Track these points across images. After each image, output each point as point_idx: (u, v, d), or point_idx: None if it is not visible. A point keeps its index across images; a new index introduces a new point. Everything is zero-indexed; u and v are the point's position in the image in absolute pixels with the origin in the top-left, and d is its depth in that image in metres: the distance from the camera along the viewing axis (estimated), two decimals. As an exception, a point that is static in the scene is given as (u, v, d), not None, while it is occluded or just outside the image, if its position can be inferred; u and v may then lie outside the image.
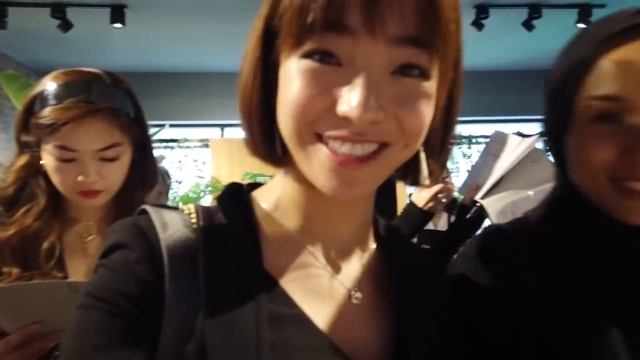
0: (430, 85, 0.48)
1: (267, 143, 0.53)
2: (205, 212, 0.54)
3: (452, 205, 2.73)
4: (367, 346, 0.53)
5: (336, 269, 0.56)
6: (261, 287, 0.49)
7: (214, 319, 0.46)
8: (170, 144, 5.64)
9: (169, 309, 0.47)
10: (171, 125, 5.43)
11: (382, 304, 0.56)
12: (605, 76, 0.58)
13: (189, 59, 5.24)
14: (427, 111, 0.48)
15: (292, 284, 0.52)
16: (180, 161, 5.65)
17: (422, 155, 0.54)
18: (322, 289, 0.54)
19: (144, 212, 0.53)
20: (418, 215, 1.80)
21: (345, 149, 0.46)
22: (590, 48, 0.59)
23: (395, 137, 0.47)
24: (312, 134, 0.47)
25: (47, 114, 0.94)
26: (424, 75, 0.47)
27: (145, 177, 1.10)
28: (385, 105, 0.45)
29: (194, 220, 0.53)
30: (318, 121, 0.46)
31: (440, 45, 0.46)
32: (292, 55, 0.47)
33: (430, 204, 1.78)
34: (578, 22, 4.08)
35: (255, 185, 0.60)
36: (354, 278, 0.56)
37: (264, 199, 0.57)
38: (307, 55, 0.45)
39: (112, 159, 1.00)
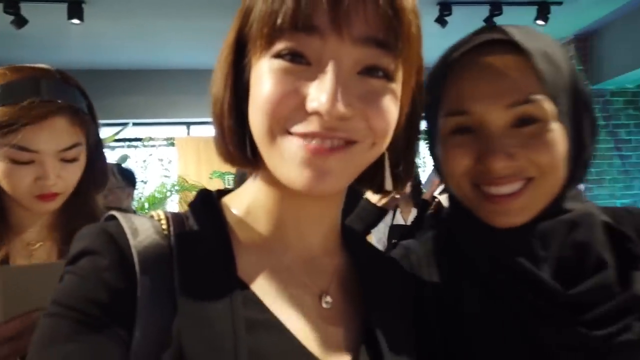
0: (395, 88, 0.50)
1: (238, 145, 0.53)
2: (175, 219, 0.54)
3: (419, 201, 2.81)
4: (338, 349, 0.54)
5: (306, 274, 0.57)
6: (235, 294, 0.49)
7: (190, 325, 0.46)
8: (134, 143, 5.52)
9: (141, 317, 0.47)
10: (135, 124, 5.32)
11: (351, 307, 0.58)
12: (454, 94, 0.64)
13: (151, 55, 5.12)
14: (394, 111, 0.50)
15: (264, 290, 0.53)
16: (145, 161, 5.54)
17: (387, 163, 0.56)
18: (293, 295, 0.55)
19: (112, 218, 0.52)
20: (373, 212, 1.82)
21: (315, 143, 0.47)
22: (443, 69, 0.66)
23: (362, 136, 0.49)
24: (283, 131, 0.48)
25: (1, 114, 0.89)
26: (389, 77, 0.49)
27: (97, 177, 1.05)
28: (353, 103, 0.47)
29: (164, 227, 0.52)
30: (288, 119, 0.47)
31: (403, 48, 0.48)
32: (263, 57, 0.48)
33: (384, 200, 1.81)
34: (537, 19, 4.20)
35: (225, 192, 0.61)
36: (323, 283, 0.57)
37: (235, 205, 0.58)
38: (277, 55, 0.47)
39: (72, 160, 0.95)
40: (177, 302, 0.47)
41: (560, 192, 0.64)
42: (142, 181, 5.39)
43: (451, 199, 0.72)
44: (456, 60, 0.64)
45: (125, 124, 5.10)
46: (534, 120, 0.61)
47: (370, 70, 0.48)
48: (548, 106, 0.60)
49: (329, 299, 0.56)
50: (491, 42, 0.63)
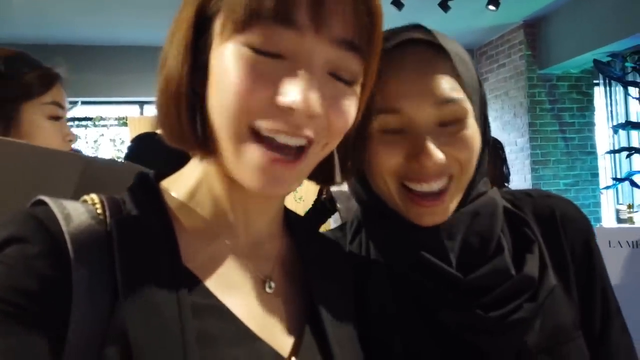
0: (356, 89, 0.52)
1: (192, 127, 0.51)
2: (111, 203, 0.51)
3: None
4: (283, 330, 0.55)
5: (251, 260, 0.57)
6: (180, 279, 0.49)
7: (135, 313, 0.45)
8: (84, 123, 5.30)
9: (77, 306, 0.44)
10: (84, 103, 5.10)
11: (294, 290, 0.59)
12: (385, 91, 0.62)
13: (101, 31, 4.91)
14: (353, 113, 0.52)
15: (208, 275, 0.53)
16: (96, 141, 5.33)
17: (336, 158, 0.58)
18: (237, 280, 0.55)
19: (40, 203, 0.49)
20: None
21: (282, 139, 0.47)
22: None
23: (320, 136, 0.50)
24: (247, 128, 0.47)
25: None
26: (353, 79, 0.51)
27: None
28: (322, 102, 0.48)
29: (99, 212, 0.50)
30: (255, 112, 0.47)
31: (371, 52, 0.50)
32: (230, 41, 0.47)
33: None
34: (488, 4, 4.29)
35: (163, 175, 0.59)
36: (267, 268, 0.58)
37: (176, 189, 0.56)
38: (249, 45, 0.46)
39: None
40: (118, 290, 0.46)
41: (469, 185, 0.67)
42: (94, 162, 5.21)
43: (363, 193, 0.72)
44: (381, 58, 0.62)
45: (74, 103, 4.89)
46: (456, 120, 0.63)
47: (338, 71, 0.49)
48: (467, 105, 0.64)
49: (272, 284, 0.57)
50: (413, 41, 0.65)
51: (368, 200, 0.71)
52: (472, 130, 0.65)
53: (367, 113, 0.58)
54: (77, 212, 0.48)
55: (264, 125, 0.47)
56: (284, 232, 0.63)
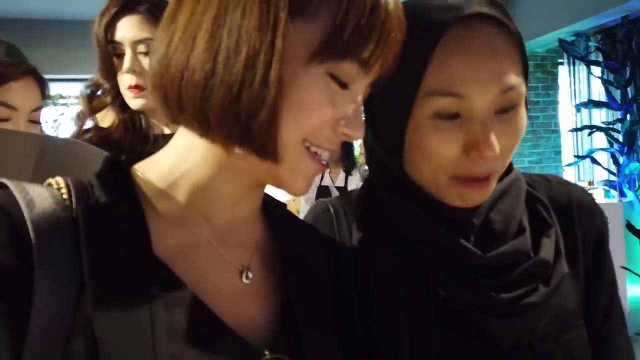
0: None
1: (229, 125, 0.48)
2: (78, 187, 0.49)
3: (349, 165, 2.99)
4: (259, 323, 0.53)
5: (227, 249, 0.55)
6: (150, 270, 0.47)
7: (103, 305, 0.43)
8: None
9: (40, 298, 0.42)
10: (43, 80, 4.90)
11: (272, 280, 0.57)
12: (443, 72, 0.57)
13: (60, 3, 4.68)
14: None
15: (181, 265, 0.50)
16: (56, 120, 5.15)
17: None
18: (213, 271, 0.53)
19: (1, 186, 0.46)
20: None
21: (324, 155, 0.53)
22: (429, 40, 0.57)
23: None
24: (304, 142, 0.51)
25: None
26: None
27: None
28: None
29: (65, 197, 0.48)
30: (316, 131, 0.50)
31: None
32: (322, 62, 0.48)
33: None
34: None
35: (134, 159, 0.56)
36: (244, 258, 0.56)
37: (150, 174, 0.54)
38: (333, 76, 0.49)
39: (36, 122, 0.96)
40: (84, 280, 0.44)
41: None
42: (54, 142, 5.04)
43: (387, 172, 0.68)
44: (445, 36, 0.57)
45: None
46: (512, 106, 0.59)
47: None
48: (523, 90, 0.60)
49: (250, 274, 0.55)
50: (479, 16, 0.58)
51: (394, 179, 0.66)
52: (523, 116, 0.61)
53: (410, 95, 0.59)
54: (41, 198, 0.46)
55: (317, 143, 0.51)
56: (262, 217, 0.61)
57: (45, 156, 0.75)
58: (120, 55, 1.16)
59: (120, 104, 1.15)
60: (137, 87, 1.15)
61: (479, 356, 0.63)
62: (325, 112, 0.49)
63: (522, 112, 0.61)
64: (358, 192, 0.74)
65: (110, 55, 1.14)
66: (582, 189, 0.73)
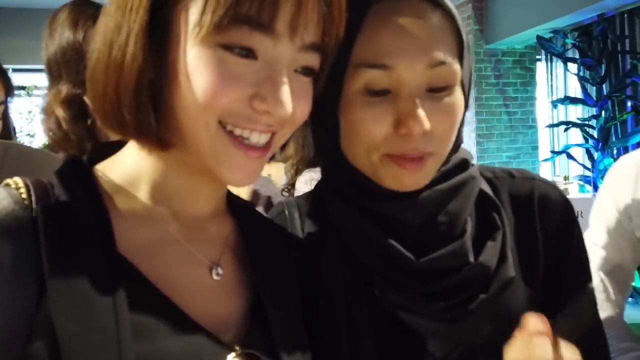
0: (312, 81, 0.54)
1: (149, 122, 0.48)
2: (37, 187, 0.48)
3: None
4: (229, 319, 0.53)
5: (195, 245, 0.55)
6: (114, 268, 0.46)
7: (65, 306, 0.43)
8: (16, 92, 4.98)
9: None
10: (15, 70, 4.77)
11: (242, 275, 0.57)
12: (371, 45, 0.56)
13: (32, -8, 4.56)
14: (311, 104, 0.54)
15: (147, 263, 0.50)
16: (30, 112, 5.02)
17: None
18: (181, 268, 0.53)
19: None
20: None
21: (253, 138, 0.49)
22: (357, 16, 0.56)
23: (284, 127, 0.52)
24: (219, 126, 0.48)
25: None
26: (314, 73, 0.53)
27: (7, 136, 1.04)
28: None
29: (24, 196, 0.47)
30: (229, 112, 0.47)
31: (335, 48, 0.53)
32: (205, 39, 0.45)
33: None
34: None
35: (96, 159, 0.56)
36: (213, 253, 0.56)
37: (112, 174, 0.53)
38: (225, 47, 0.46)
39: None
40: (45, 281, 0.43)
41: (446, 157, 0.63)
42: (29, 134, 4.92)
43: (329, 163, 0.67)
44: (374, 8, 0.57)
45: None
46: (445, 85, 0.58)
47: (303, 69, 0.51)
48: (457, 70, 0.59)
49: (219, 270, 0.55)
50: None
51: (336, 165, 0.65)
52: (458, 97, 0.60)
53: (340, 70, 0.57)
54: None
55: (236, 123, 0.48)
56: (228, 212, 0.61)
57: (6, 162, 0.74)
58: None
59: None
60: None
61: None
62: (223, 89, 0.46)
63: (458, 94, 0.60)
64: (311, 191, 0.72)
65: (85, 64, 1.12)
66: (549, 183, 0.71)
